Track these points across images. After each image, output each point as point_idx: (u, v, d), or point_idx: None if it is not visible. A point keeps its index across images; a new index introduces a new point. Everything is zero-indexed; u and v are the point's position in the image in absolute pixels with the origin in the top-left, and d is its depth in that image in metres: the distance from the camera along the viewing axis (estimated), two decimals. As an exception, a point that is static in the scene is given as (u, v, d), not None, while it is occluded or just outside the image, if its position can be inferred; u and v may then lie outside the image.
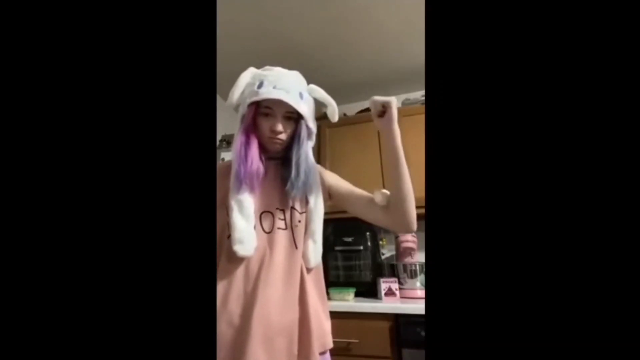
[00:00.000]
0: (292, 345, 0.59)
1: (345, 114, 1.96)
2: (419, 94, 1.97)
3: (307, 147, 0.66)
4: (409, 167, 0.64)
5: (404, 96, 2.08)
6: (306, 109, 0.62)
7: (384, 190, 0.65)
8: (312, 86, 0.67)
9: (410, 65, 1.88)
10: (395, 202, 0.62)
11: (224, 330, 0.56)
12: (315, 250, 0.66)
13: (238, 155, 0.60)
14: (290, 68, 0.67)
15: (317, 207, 0.67)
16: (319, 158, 1.71)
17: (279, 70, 0.64)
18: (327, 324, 0.68)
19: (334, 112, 0.71)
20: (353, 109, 2.11)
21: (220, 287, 0.59)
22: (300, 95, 0.61)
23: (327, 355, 0.68)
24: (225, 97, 2.28)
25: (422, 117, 1.68)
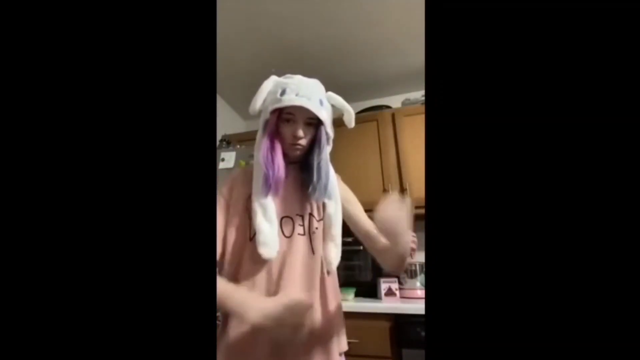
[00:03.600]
0: (310, 346, 0.61)
1: (345, 114, 1.96)
2: (419, 94, 1.97)
3: (327, 152, 0.68)
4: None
5: (404, 96, 2.08)
6: (326, 115, 0.65)
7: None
8: (330, 93, 0.69)
9: (410, 66, 1.88)
10: (392, 256, 0.65)
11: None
12: (337, 254, 0.69)
13: (265, 160, 0.62)
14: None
15: (337, 211, 0.70)
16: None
17: (300, 79, 0.66)
18: (343, 327, 0.70)
19: (350, 119, 0.73)
20: (353, 109, 2.10)
21: (245, 286, 0.62)
22: (321, 102, 0.64)
23: (343, 357, 0.70)
24: (225, 97, 2.28)
25: (422, 117, 1.68)
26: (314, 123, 0.65)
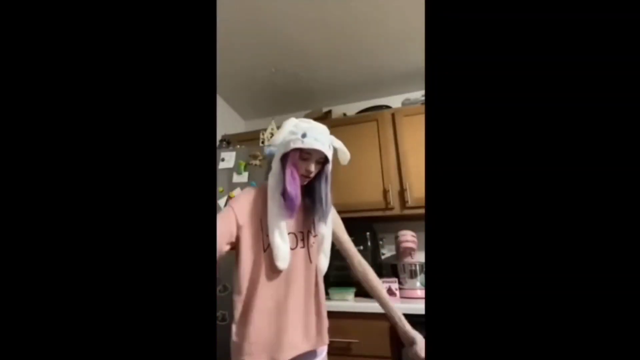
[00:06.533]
0: (313, 326, 0.83)
1: (345, 114, 1.96)
2: (419, 94, 1.97)
3: (330, 184, 0.86)
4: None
5: (404, 96, 2.08)
6: (331, 156, 0.83)
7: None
8: (332, 137, 0.87)
9: (410, 66, 1.88)
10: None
11: (269, 304, 0.78)
12: (326, 263, 0.91)
13: (291, 188, 0.78)
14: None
15: (328, 230, 0.91)
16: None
17: (316, 125, 0.82)
18: (327, 323, 0.88)
19: (345, 159, 0.88)
20: (353, 109, 2.11)
21: (266, 285, 0.80)
22: (329, 146, 0.81)
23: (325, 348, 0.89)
24: (225, 97, 2.27)
25: (422, 117, 1.68)
26: (322, 161, 0.83)
